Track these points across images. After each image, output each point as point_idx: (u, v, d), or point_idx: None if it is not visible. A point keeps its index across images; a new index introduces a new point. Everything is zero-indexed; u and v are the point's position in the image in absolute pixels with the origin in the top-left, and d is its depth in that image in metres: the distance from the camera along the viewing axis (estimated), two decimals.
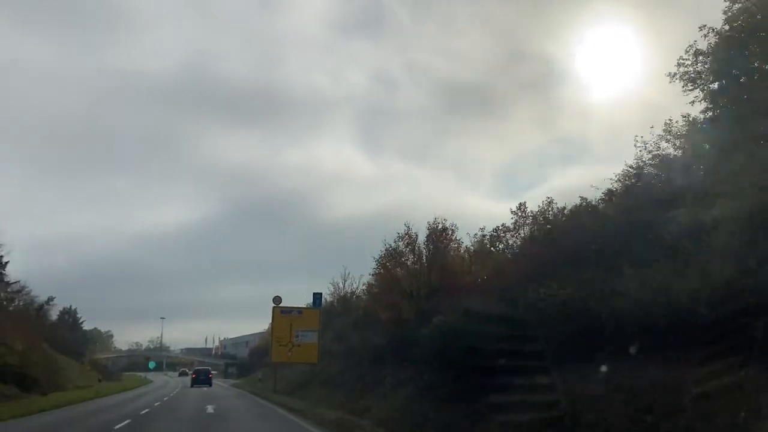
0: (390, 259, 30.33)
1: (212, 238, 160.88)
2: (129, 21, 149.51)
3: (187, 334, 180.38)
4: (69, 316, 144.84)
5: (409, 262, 29.71)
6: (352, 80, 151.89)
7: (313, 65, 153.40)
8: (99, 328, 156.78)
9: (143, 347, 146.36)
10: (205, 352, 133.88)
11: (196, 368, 64.72)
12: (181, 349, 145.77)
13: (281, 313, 42.06)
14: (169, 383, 69.88)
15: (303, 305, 46.52)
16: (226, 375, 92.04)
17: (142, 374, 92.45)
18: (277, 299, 42.38)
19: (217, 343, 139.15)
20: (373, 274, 33.60)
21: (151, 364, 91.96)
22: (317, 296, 46.37)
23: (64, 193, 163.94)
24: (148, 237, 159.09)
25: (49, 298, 63.25)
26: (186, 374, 72.21)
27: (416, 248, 29.48)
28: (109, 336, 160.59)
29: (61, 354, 54.74)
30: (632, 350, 11.05)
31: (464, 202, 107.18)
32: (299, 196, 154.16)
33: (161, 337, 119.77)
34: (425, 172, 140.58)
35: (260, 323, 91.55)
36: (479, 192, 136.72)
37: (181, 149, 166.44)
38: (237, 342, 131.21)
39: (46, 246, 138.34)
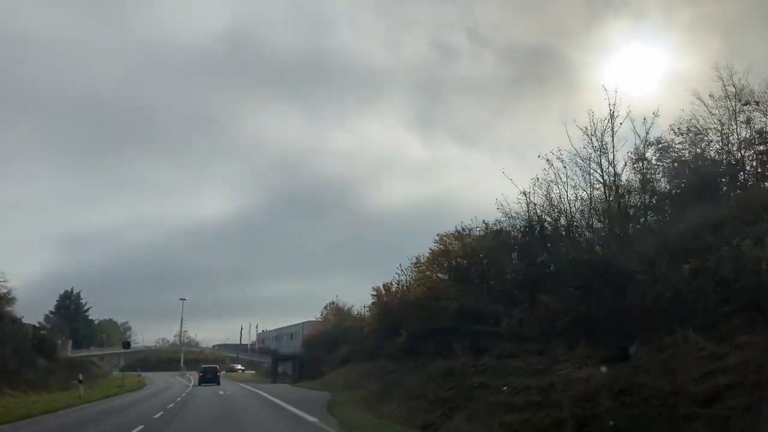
0: None
1: (252, 230, 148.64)
2: None
3: (217, 333, 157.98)
4: (70, 302, 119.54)
5: None
6: (408, 48, 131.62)
7: (367, 31, 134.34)
8: (115, 320, 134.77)
9: (169, 343, 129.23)
10: (240, 348, 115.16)
11: (203, 366, 58.45)
12: (214, 346, 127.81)
13: None
14: (171, 388, 49.17)
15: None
16: (274, 377, 61.81)
17: (148, 374, 73.32)
18: None
19: (254, 338, 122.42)
20: None
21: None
22: None
23: (96, 180, 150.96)
24: (184, 230, 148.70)
25: None
26: (208, 374, 54.48)
27: None
28: (126, 328, 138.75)
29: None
30: None
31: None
32: (345, 183, 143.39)
33: (181, 328, 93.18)
34: (480, 156, 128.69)
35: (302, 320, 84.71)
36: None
37: (221, 129, 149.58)
38: (280, 334, 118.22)
39: (78, 240, 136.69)
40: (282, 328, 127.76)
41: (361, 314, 55.21)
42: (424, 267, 32.07)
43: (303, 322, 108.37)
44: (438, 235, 31.27)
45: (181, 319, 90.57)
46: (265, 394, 34.36)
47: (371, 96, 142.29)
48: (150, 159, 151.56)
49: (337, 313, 68.16)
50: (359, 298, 70.45)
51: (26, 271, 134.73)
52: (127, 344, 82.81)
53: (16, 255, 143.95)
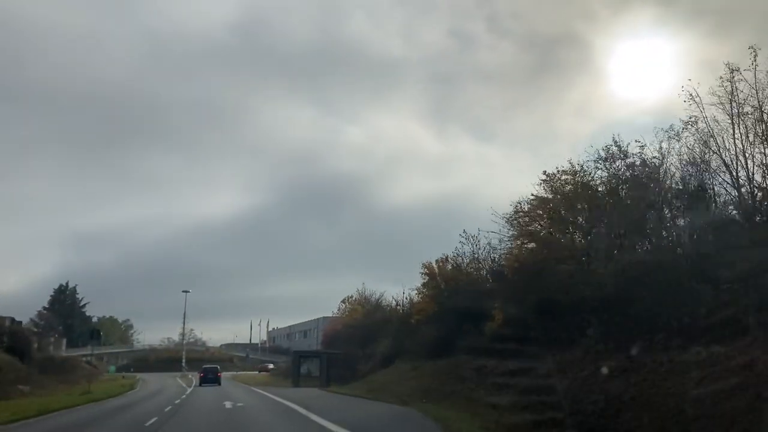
0: None
1: (261, 227, 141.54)
2: None
3: (225, 334, 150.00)
4: (66, 297, 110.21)
5: None
6: (425, 37, 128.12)
7: (383, 19, 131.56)
8: (116, 317, 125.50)
9: (174, 342, 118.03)
10: (250, 347, 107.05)
11: (204, 366, 55.76)
12: (221, 345, 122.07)
13: None
14: (160, 393, 38.90)
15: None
16: (296, 379, 46.40)
17: (144, 375, 64.68)
18: None
19: (263, 336, 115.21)
20: None
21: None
22: None
23: (103, 177, 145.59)
24: (192, 228, 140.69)
25: None
26: (209, 374, 52.06)
27: None
28: (128, 326, 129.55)
29: None
30: None
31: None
32: (358, 179, 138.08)
33: (184, 324, 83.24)
34: (495, 151, 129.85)
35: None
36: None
37: (232, 123, 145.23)
38: (291, 332, 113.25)
39: (84, 239, 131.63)
40: (294, 325, 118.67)
41: (398, 303, 45.87)
42: (526, 218, 22.02)
43: (318, 318, 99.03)
44: (545, 173, 21.46)
45: (184, 313, 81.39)
46: (301, 410, 21.12)
47: (385, 88, 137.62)
48: (159, 154, 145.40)
49: (363, 303, 58.49)
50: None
51: (31, 271, 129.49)
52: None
53: (20, 253, 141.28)
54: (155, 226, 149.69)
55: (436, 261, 34.00)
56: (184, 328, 78.47)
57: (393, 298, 49.41)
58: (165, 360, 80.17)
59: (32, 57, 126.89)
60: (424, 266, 33.73)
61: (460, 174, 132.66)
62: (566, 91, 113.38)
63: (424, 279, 34.14)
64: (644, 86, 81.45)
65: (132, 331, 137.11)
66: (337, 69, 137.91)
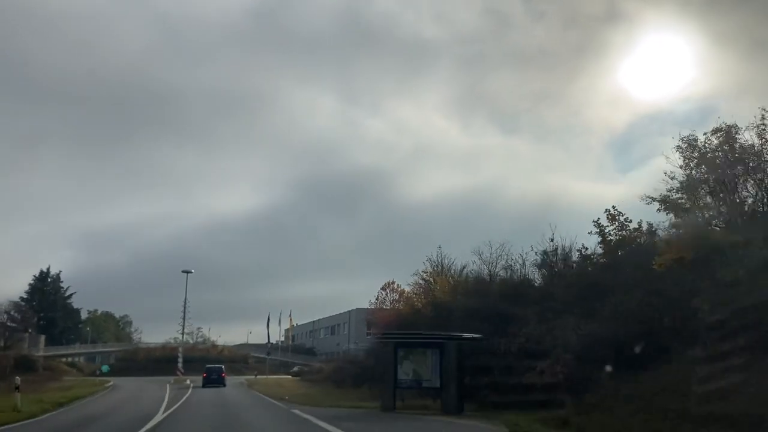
0: None
1: (277, 227, 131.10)
2: None
3: (236, 336, 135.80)
4: (49, 285, 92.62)
5: None
6: (457, 16, 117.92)
7: None
8: (112, 312, 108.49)
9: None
10: (270, 347, 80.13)
11: (207, 366, 49.19)
12: (235, 345, 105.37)
13: None
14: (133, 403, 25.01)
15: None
16: (389, 396, 21.61)
17: (120, 380, 49.17)
18: None
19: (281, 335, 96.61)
20: None
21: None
22: None
23: (111, 171, 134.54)
24: (205, 226, 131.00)
25: None
26: (212, 374, 45.85)
27: None
28: (126, 323, 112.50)
29: None
30: None
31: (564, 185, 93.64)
32: (378, 173, 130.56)
33: (185, 311, 64.77)
34: (524, 144, 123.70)
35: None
36: (583, 169, 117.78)
37: (249, 113, 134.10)
38: (316, 328, 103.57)
39: (93, 236, 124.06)
40: (319, 320, 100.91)
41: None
42: None
43: (351, 311, 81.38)
44: None
45: (185, 300, 63.36)
46: None
47: (412, 75, 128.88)
48: (170, 147, 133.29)
49: (442, 274, 40.61)
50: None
51: (33, 271, 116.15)
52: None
53: (22, 252, 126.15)
54: (166, 224, 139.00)
55: None
56: (184, 317, 60.80)
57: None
58: (158, 360, 61.98)
59: (35, 44, 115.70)
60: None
61: (485, 168, 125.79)
62: (604, 77, 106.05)
63: None
64: (688, 71, 69.75)
65: (131, 329, 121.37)
66: (362, 54, 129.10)
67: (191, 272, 63.71)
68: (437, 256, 42.63)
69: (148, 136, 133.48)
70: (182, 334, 64.13)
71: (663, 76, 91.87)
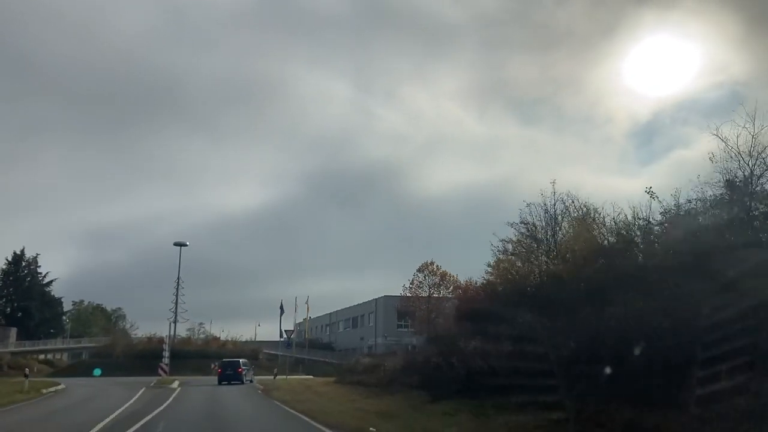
0: None
1: (286, 222, 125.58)
2: None
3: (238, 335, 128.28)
4: (22, 270, 79.44)
5: None
6: None
7: None
8: (102, 305, 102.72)
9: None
10: (287, 336, 67.27)
11: (223, 361, 42.62)
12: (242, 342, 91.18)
13: None
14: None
15: None
16: None
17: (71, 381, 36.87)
18: None
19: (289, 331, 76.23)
20: None
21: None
22: None
23: (115, 163, 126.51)
24: (213, 223, 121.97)
25: None
26: (228, 369, 39.53)
27: None
28: (119, 316, 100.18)
29: None
30: None
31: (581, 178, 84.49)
32: (391, 165, 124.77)
33: (177, 293, 51.78)
34: (543, 134, 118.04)
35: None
36: (602, 161, 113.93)
37: (258, 101, 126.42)
38: (334, 321, 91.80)
39: (96, 233, 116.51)
40: (338, 311, 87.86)
41: None
42: None
43: (378, 299, 68.59)
44: None
45: (178, 277, 50.57)
46: None
47: (429, 60, 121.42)
48: (175, 138, 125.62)
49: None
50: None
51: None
52: None
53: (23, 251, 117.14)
54: (169, 219, 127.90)
55: None
56: (177, 301, 47.80)
57: None
58: (142, 355, 48.27)
59: (33, 29, 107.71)
60: None
61: (502, 160, 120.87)
62: (629, 62, 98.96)
63: None
64: (719, 56, 59.79)
65: (125, 324, 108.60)
66: (378, 36, 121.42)
67: (186, 245, 50.79)
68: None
69: (152, 127, 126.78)
70: (174, 322, 51.11)
71: (691, 61, 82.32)
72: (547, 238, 28.29)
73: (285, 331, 36.49)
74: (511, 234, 29.10)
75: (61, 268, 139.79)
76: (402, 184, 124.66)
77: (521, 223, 28.46)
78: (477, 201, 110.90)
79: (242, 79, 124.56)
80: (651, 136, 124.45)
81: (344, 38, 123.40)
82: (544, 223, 28.48)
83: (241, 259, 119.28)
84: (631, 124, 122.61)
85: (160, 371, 33.05)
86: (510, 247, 29.52)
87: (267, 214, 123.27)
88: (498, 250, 29.86)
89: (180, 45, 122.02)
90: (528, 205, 28.13)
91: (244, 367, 40.31)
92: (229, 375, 38.79)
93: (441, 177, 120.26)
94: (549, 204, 27.62)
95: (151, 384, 31.47)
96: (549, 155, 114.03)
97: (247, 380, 37.91)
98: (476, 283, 30.71)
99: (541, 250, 28.47)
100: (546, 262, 26.77)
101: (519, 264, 29.75)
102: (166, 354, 33.60)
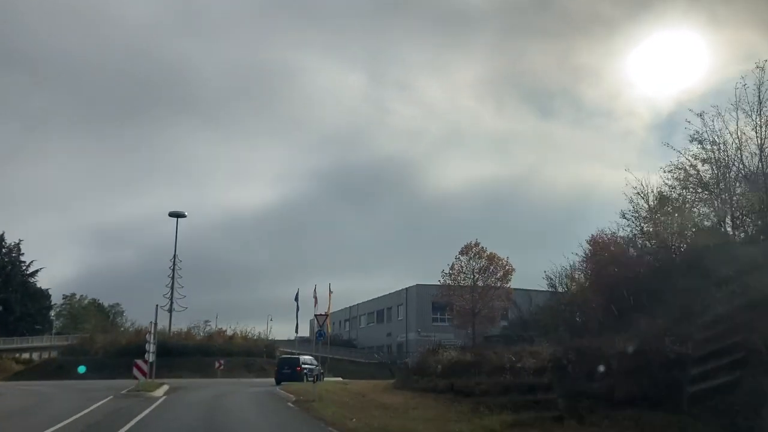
0: None
1: (297, 221, 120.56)
2: None
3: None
4: (6, 257, 70.01)
5: None
6: None
7: None
8: (98, 299, 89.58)
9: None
10: (318, 326, 57.30)
11: (281, 358, 41.29)
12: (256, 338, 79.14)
13: None
14: None
15: None
16: None
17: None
18: None
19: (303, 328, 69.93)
20: None
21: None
22: None
23: (120, 159, 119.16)
24: (222, 222, 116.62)
25: None
26: (285, 368, 37.05)
27: None
28: (117, 312, 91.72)
29: None
30: None
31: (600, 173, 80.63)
32: (404, 161, 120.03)
33: (174, 275, 42.72)
34: (561, 128, 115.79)
35: None
36: (622, 156, 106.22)
37: (269, 93, 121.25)
38: (355, 315, 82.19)
39: (100, 232, 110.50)
40: (359, 305, 78.42)
41: None
42: None
43: (409, 288, 59.54)
44: None
45: (174, 255, 41.56)
46: None
47: (446, 50, 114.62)
48: (185, 131, 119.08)
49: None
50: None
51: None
52: None
53: (24, 250, 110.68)
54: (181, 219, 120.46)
55: None
56: (173, 284, 38.86)
57: None
58: (127, 352, 38.52)
59: (37, 18, 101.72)
60: None
61: (518, 154, 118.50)
62: (653, 49, 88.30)
63: None
64: (751, 42, 51.66)
65: (123, 320, 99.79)
66: (393, 23, 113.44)
67: (184, 215, 41.58)
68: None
69: (160, 119, 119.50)
70: (170, 310, 41.75)
71: (721, 47, 72.10)
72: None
73: (316, 316, 26.96)
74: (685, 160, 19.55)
75: (65, 266, 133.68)
76: (415, 180, 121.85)
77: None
78: (493, 197, 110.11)
79: (253, 71, 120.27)
80: (673, 129, 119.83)
81: (358, 24, 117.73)
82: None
83: (250, 257, 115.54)
84: (653, 117, 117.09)
85: (135, 371, 23.04)
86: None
87: (277, 211, 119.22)
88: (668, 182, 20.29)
89: (187, 36, 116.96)
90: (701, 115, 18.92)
91: (304, 366, 36.19)
92: (287, 374, 35.18)
93: (456, 172, 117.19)
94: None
95: (123, 392, 21.80)
96: (566, 148, 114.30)
97: (310, 380, 31.39)
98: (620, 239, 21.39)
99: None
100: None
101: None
102: (151, 348, 23.89)
